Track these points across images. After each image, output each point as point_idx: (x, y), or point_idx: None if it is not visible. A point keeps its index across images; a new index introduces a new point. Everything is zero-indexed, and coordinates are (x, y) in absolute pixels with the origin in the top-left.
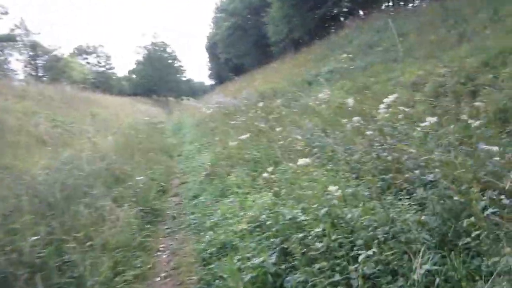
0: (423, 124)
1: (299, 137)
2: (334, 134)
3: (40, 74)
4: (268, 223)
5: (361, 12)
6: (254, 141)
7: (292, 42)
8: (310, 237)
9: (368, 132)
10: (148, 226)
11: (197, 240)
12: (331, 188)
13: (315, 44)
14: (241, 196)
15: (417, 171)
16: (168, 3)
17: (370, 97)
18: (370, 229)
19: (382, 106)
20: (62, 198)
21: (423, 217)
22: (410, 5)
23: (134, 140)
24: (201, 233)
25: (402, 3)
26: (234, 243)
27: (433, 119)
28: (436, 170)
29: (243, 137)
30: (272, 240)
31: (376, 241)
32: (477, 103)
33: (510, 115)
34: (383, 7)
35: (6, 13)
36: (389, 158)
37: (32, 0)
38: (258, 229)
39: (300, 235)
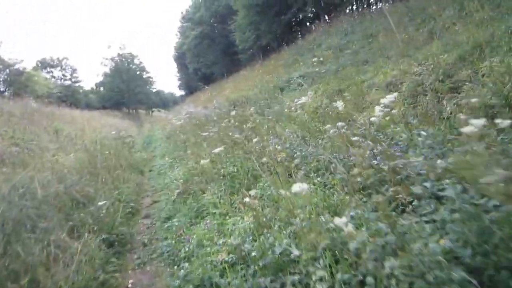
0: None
1: (278, 147)
2: (315, 141)
3: (1, 89)
4: (253, 254)
5: (326, 17)
6: (229, 154)
7: (260, 49)
8: (307, 277)
9: (354, 138)
10: (114, 259)
11: (171, 274)
12: (338, 221)
13: (283, 50)
14: (218, 218)
15: (427, 183)
16: (134, 13)
17: (347, 100)
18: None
19: (378, 108)
20: (2, 235)
21: (447, 243)
22: (374, 7)
23: (100, 157)
24: (175, 265)
25: (365, 5)
26: (213, 280)
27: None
28: (447, 180)
29: (217, 150)
30: (260, 279)
31: (394, 281)
32: (461, 100)
33: (498, 111)
34: (347, 11)
35: None
36: (385, 167)
37: None
38: (241, 262)
39: (296, 277)
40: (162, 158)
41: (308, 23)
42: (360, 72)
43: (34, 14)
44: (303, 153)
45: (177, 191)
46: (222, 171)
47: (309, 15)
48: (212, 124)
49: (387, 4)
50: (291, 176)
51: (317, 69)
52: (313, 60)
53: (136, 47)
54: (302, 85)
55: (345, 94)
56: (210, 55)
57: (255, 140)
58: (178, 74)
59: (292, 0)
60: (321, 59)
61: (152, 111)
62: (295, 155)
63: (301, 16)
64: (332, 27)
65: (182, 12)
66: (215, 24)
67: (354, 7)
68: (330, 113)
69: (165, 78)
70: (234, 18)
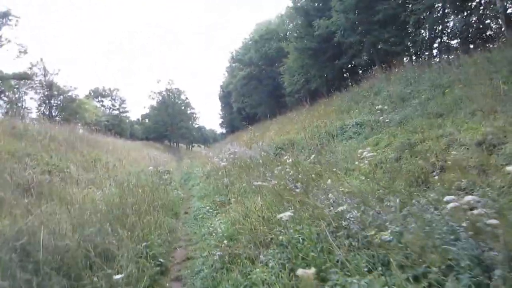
0: None
1: (356, 213)
2: (406, 209)
3: (53, 114)
4: None
5: (382, 65)
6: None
7: (308, 93)
8: None
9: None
10: None
11: None
12: None
13: (334, 96)
14: None
15: None
16: (185, 52)
17: (423, 156)
18: None
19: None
20: None
21: None
22: (437, 58)
23: (130, 198)
24: None
25: (426, 56)
26: None
27: None
28: None
29: (285, 215)
30: None
31: None
32: None
33: None
34: (405, 60)
35: (25, 51)
36: None
37: (53, 38)
38: None
39: None
40: (200, 200)
41: (361, 70)
42: (434, 126)
43: (93, 45)
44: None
45: (219, 253)
46: (280, 236)
47: (363, 62)
48: (260, 169)
49: (453, 55)
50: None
51: (376, 118)
52: (372, 108)
53: (183, 83)
54: (359, 133)
55: (418, 149)
56: (255, 96)
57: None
58: (221, 112)
59: (347, 46)
60: (381, 107)
61: (193, 146)
62: (388, 226)
63: (354, 62)
64: (392, 75)
65: (231, 53)
66: (264, 66)
67: (414, 57)
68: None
69: (208, 115)
70: (284, 60)
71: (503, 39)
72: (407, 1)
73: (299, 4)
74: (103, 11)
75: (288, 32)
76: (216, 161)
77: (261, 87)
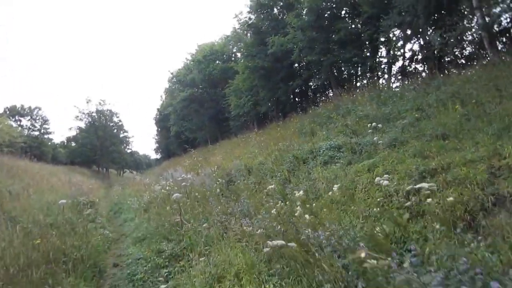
0: None
1: None
2: None
3: None
4: None
5: (341, 87)
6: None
7: (256, 117)
8: None
9: None
10: None
11: None
12: None
13: (291, 118)
14: None
15: None
16: (119, 69)
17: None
18: None
19: None
20: None
21: None
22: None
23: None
24: None
25: (385, 79)
26: None
27: None
28: None
29: None
30: None
31: None
32: None
33: None
34: (361, 83)
35: None
36: None
37: None
38: None
39: None
40: (138, 245)
41: (315, 93)
42: (447, 149)
43: (11, 56)
44: None
45: None
46: None
47: (320, 83)
48: (222, 201)
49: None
50: None
51: (358, 140)
52: (345, 129)
53: (115, 104)
54: (339, 158)
55: (445, 177)
56: (196, 119)
57: None
58: (157, 137)
59: (303, 67)
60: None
61: (124, 172)
62: None
63: (311, 84)
64: (358, 96)
65: (171, 73)
66: (207, 88)
67: (370, 80)
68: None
69: (142, 139)
70: (230, 82)
71: (486, 59)
72: (370, 20)
73: (250, 21)
74: (30, 18)
75: (233, 53)
76: (158, 189)
77: (203, 110)
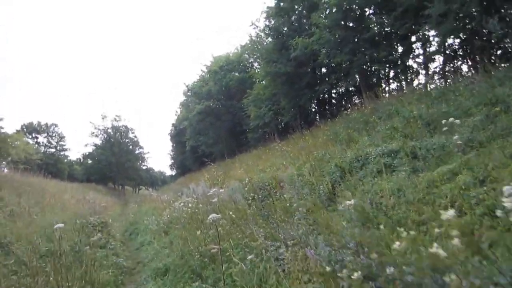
0: None
1: None
2: None
3: None
4: None
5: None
6: None
7: (276, 127)
8: None
9: None
10: None
11: None
12: None
13: (320, 126)
14: None
15: None
16: (134, 88)
17: None
18: None
19: None
20: None
21: None
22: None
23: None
24: None
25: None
26: None
27: None
28: None
29: None
30: None
31: None
32: None
33: None
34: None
35: None
36: None
37: None
38: None
39: None
40: (159, 281)
41: (343, 98)
42: None
43: (28, 73)
44: None
45: None
46: None
47: (350, 86)
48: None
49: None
50: None
51: (415, 144)
52: (394, 133)
53: (130, 120)
54: (397, 166)
55: None
56: (212, 133)
57: None
58: (172, 152)
59: (329, 70)
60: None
61: (140, 189)
62: None
63: (341, 88)
64: (401, 97)
65: (187, 85)
66: (223, 100)
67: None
68: None
69: (157, 155)
70: (248, 92)
71: None
72: (406, 15)
73: (270, 24)
74: (46, 34)
75: (250, 63)
76: (179, 207)
77: (219, 123)
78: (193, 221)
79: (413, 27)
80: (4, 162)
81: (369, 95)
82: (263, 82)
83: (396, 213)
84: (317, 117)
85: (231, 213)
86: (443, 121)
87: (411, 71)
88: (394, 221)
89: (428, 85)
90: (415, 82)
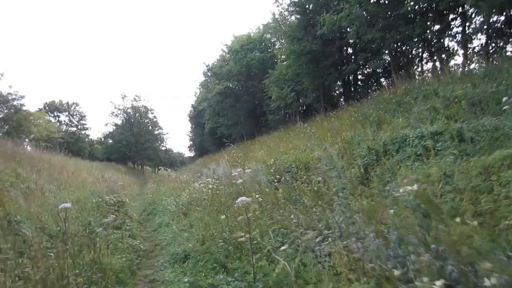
0: None
1: None
2: None
3: None
4: None
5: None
6: None
7: (298, 108)
8: None
9: None
10: None
11: None
12: None
13: (341, 108)
14: None
15: None
16: (154, 65)
17: None
18: None
19: None
20: None
21: None
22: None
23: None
24: None
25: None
26: None
27: None
28: None
29: None
30: None
31: None
32: None
33: None
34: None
35: None
36: None
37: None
38: None
39: None
40: (178, 268)
41: (365, 81)
42: None
43: (51, 53)
44: None
45: None
46: None
47: (381, 66)
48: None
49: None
50: None
51: (461, 125)
52: (434, 113)
53: (149, 100)
54: (441, 149)
55: None
56: (232, 114)
57: None
58: (191, 134)
59: (357, 50)
60: (451, 113)
61: (159, 169)
62: None
63: (368, 67)
64: (440, 76)
65: (206, 65)
66: (244, 80)
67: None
68: None
69: (176, 136)
70: (270, 72)
71: None
72: None
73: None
74: (65, 14)
75: (273, 43)
76: (199, 188)
77: (239, 105)
78: (214, 203)
79: (451, 3)
80: (26, 140)
81: (401, 76)
82: (285, 62)
83: (445, 202)
84: (342, 99)
85: (257, 196)
86: (504, 99)
87: (447, 50)
88: (444, 212)
89: (467, 65)
90: (451, 63)
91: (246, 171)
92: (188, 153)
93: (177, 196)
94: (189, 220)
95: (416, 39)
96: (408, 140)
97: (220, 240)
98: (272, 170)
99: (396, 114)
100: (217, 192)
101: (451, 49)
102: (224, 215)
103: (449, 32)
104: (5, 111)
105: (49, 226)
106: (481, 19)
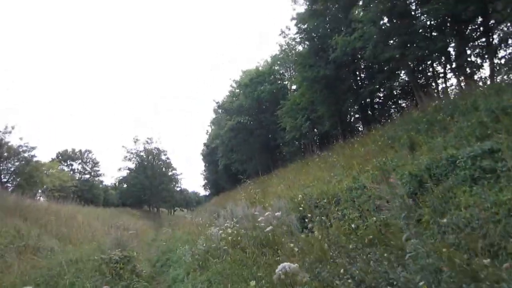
0: None
1: None
2: None
3: (4, 180)
4: None
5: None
6: None
7: (314, 138)
8: None
9: None
10: None
11: None
12: None
13: (361, 134)
14: None
15: None
16: (164, 110)
17: None
18: None
19: None
20: None
21: None
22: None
23: None
24: None
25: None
26: None
27: None
28: None
29: None
30: None
31: None
32: None
33: None
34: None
35: None
36: None
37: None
38: None
39: None
40: None
41: (382, 104)
42: None
43: (59, 105)
44: None
45: None
46: None
47: (402, 83)
48: None
49: None
50: None
51: None
52: (482, 129)
53: (162, 142)
54: (500, 170)
55: None
56: (245, 149)
57: None
58: (205, 172)
59: (374, 70)
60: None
61: (175, 210)
62: None
63: (385, 92)
64: (470, 90)
65: (217, 102)
66: (255, 114)
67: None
68: None
69: (190, 176)
70: (282, 103)
71: None
72: None
73: (304, 27)
74: (72, 62)
75: (282, 73)
76: (216, 233)
77: (252, 139)
78: (236, 254)
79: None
80: (39, 191)
81: (424, 94)
82: (298, 90)
83: None
84: (359, 124)
85: (292, 245)
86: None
87: (472, 63)
88: None
89: (495, 77)
90: (475, 76)
91: (269, 211)
92: (203, 192)
93: (193, 242)
94: (207, 276)
95: (437, 54)
96: (458, 162)
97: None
98: (301, 208)
99: (430, 134)
100: (239, 238)
101: (475, 62)
102: (254, 282)
103: (473, 43)
104: (16, 163)
105: None
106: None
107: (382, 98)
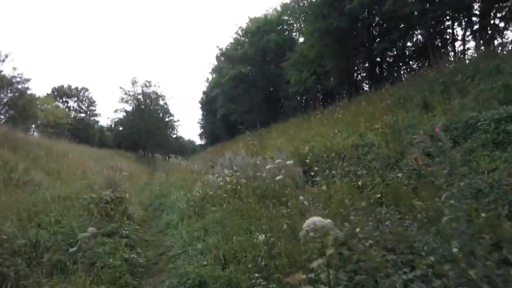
0: None
1: None
2: None
3: None
4: None
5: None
6: None
7: (318, 93)
8: None
9: None
10: None
11: None
12: None
13: (367, 93)
14: None
15: None
16: (165, 49)
17: None
18: None
19: None
20: None
21: None
22: None
23: None
24: None
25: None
26: None
27: None
28: None
29: None
30: None
31: None
32: None
33: None
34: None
35: None
36: None
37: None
38: None
39: None
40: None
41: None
42: None
43: (60, 37)
44: None
45: None
46: None
47: (418, 42)
48: None
49: None
50: None
51: None
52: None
53: (160, 86)
54: None
55: None
56: (246, 101)
57: None
58: (202, 121)
59: (390, 27)
60: None
61: (169, 157)
62: None
63: (397, 51)
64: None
65: (220, 48)
66: (259, 64)
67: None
68: None
69: (185, 124)
70: (288, 54)
71: None
72: None
73: None
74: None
75: (291, 24)
76: (213, 180)
77: (254, 90)
78: (235, 203)
79: None
80: (33, 126)
81: (440, 55)
82: (306, 42)
83: None
84: (366, 83)
85: (301, 198)
86: None
87: (495, 26)
88: None
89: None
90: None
91: (276, 160)
92: (198, 141)
93: (188, 189)
94: (203, 224)
95: (460, 14)
96: (479, 124)
97: (253, 269)
98: (308, 160)
99: (446, 96)
100: (239, 187)
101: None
102: (259, 235)
103: (500, 4)
104: (9, 94)
105: (16, 236)
106: None
107: (393, 57)
